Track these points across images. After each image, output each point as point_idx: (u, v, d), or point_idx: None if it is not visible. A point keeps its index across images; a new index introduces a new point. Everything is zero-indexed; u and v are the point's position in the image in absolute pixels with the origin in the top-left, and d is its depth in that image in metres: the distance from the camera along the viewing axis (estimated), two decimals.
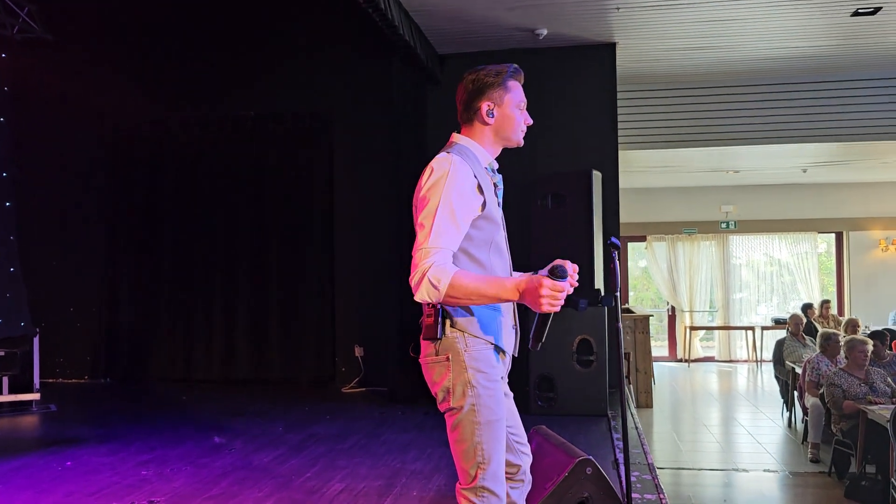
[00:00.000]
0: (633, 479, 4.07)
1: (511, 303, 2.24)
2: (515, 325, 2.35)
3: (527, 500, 2.96)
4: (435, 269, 2.00)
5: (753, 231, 13.91)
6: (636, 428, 5.53)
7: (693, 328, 13.86)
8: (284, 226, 7.86)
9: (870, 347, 6.37)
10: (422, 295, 2.01)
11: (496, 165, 2.34)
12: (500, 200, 2.33)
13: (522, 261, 6.78)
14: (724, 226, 13.80)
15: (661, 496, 3.76)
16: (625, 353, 7.58)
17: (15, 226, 6.62)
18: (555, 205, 5.98)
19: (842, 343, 7.02)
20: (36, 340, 6.58)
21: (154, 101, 7.85)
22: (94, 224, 8.08)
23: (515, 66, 2.33)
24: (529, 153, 5.96)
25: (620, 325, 3.45)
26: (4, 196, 6.60)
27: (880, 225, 13.34)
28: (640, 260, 15.53)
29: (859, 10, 6.31)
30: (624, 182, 12.54)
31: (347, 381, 7.36)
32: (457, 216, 2.10)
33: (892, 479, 5.13)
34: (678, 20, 6.53)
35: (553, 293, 1.94)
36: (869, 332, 7.74)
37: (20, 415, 6.19)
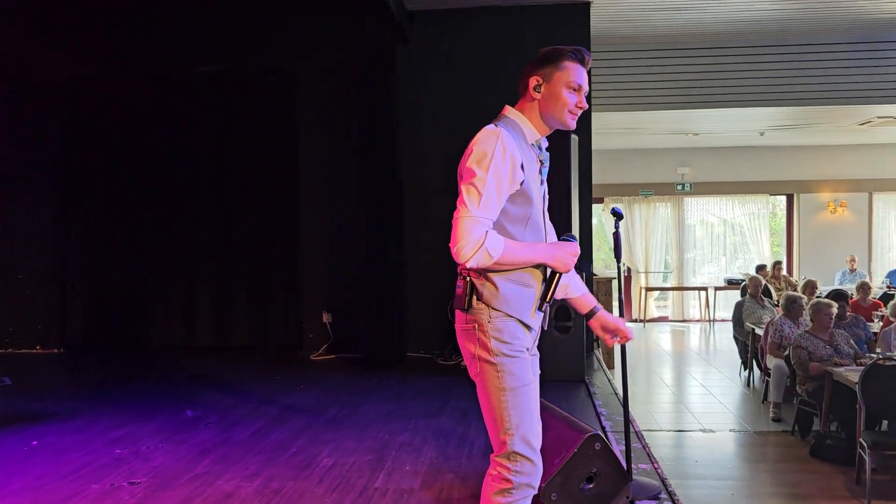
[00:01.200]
0: (623, 447, 4.07)
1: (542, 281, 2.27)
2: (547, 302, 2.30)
3: None
4: (491, 240, 2.10)
5: (708, 193, 14.12)
6: (615, 391, 5.55)
7: (648, 289, 14.09)
8: (247, 187, 7.59)
9: (834, 310, 6.52)
10: (474, 262, 2.10)
11: (545, 143, 2.33)
12: (545, 178, 2.32)
13: None
14: (679, 188, 13.97)
15: (655, 465, 3.77)
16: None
17: None
18: None
19: (805, 306, 7.18)
20: None
21: (113, 57, 7.40)
22: (45, 188, 7.63)
23: (583, 48, 2.32)
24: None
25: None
26: None
27: (829, 187, 13.69)
28: (594, 223, 15.63)
29: None
30: None
31: (315, 349, 7.20)
32: (501, 189, 2.14)
33: (860, 440, 5.28)
34: None
35: (574, 256, 2.24)
36: (829, 293, 7.93)
37: None
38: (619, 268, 3.63)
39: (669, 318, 14.37)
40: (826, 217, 13.77)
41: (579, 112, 2.28)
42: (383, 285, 6.77)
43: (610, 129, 11.13)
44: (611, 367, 9.75)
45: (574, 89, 2.24)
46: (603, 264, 15.79)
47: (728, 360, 10.18)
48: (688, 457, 6.30)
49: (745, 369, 9.15)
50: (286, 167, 7.45)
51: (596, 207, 14.66)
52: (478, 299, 2.18)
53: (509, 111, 2.31)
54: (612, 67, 8.51)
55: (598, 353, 7.94)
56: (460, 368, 6.39)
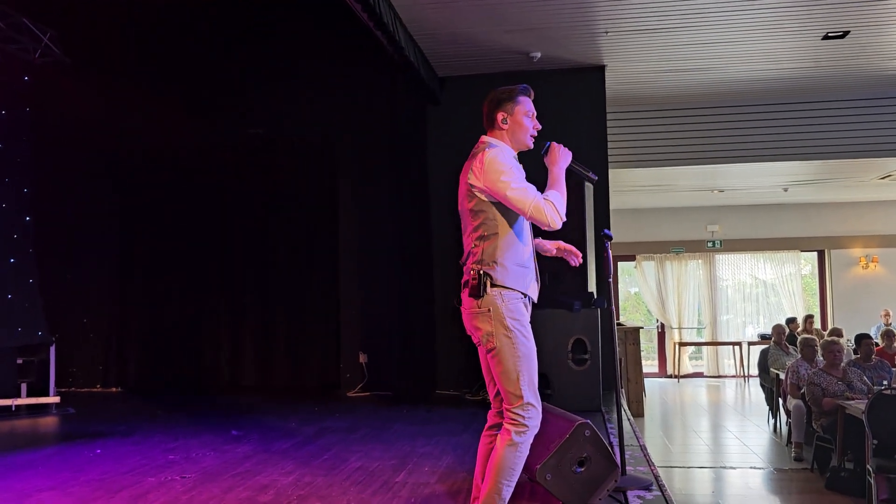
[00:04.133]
0: (626, 455, 4.41)
1: (534, 261, 2.95)
2: (537, 277, 2.96)
3: (534, 460, 3.33)
4: (554, 200, 2.82)
5: (738, 250, 14.38)
6: (628, 418, 5.87)
7: (682, 344, 14.24)
8: (291, 241, 8.25)
9: (842, 347, 6.77)
10: (554, 222, 2.78)
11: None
12: None
13: None
14: (710, 245, 14.26)
15: (653, 468, 4.10)
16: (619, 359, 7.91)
17: (32, 239, 6.95)
18: None
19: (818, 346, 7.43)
20: (52, 349, 6.87)
21: (165, 120, 8.23)
22: (107, 238, 8.42)
23: (527, 85, 3.04)
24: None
25: (614, 312, 3.82)
26: (24, 211, 6.95)
27: (860, 243, 13.84)
28: (632, 285, 15.93)
29: (829, 34, 6.81)
30: (615, 202, 13.00)
31: (352, 387, 7.67)
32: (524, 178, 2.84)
33: (868, 466, 5.48)
34: (663, 44, 7.01)
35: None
36: (854, 336, 8.14)
37: (41, 416, 6.46)
38: (609, 289, 3.98)
39: (704, 374, 14.44)
40: (858, 272, 13.87)
41: (536, 133, 2.99)
42: (415, 328, 7.32)
43: (637, 187, 11.62)
44: (640, 414, 9.98)
45: (530, 116, 2.94)
46: (642, 323, 16.05)
47: (759, 410, 10.29)
48: (703, 491, 6.51)
49: (772, 416, 9.28)
50: (326, 222, 8.11)
51: (628, 265, 15.11)
52: (491, 285, 2.76)
53: (490, 138, 2.96)
54: (631, 126, 9.05)
55: (625, 402, 8.18)
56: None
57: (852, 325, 12.66)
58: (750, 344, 13.77)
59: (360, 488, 3.80)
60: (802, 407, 7.23)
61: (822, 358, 7.06)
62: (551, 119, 7.58)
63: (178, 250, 8.37)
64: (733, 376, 14.14)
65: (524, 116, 2.92)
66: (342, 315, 7.93)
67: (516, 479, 2.75)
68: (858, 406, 5.91)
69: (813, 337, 7.90)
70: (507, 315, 2.74)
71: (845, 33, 6.78)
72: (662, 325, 14.56)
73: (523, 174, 2.83)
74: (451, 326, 7.56)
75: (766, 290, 14.79)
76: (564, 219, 2.85)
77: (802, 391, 7.04)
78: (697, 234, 14.22)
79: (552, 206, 2.78)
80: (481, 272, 2.77)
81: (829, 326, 13.61)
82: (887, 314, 12.88)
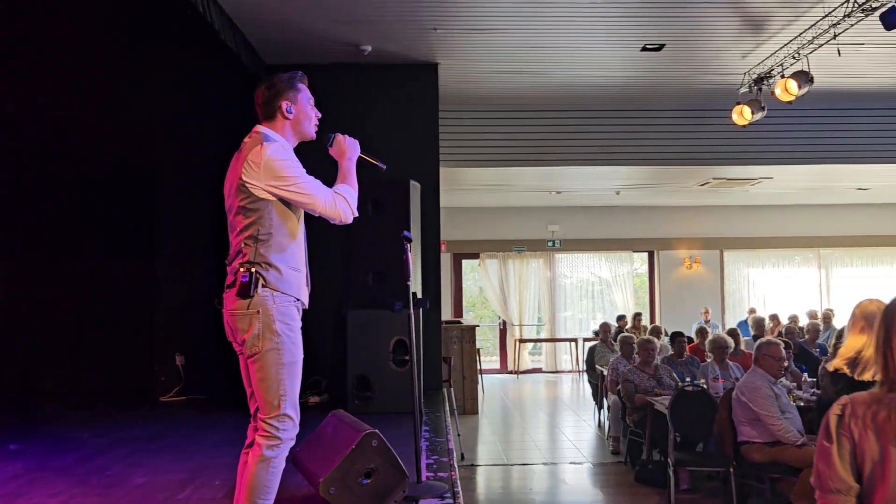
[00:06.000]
0: (431, 461, 4.35)
1: (306, 265, 2.79)
2: (308, 282, 2.80)
3: (317, 472, 3.16)
4: (345, 193, 2.75)
5: (577, 249, 14.94)
6: (445, 421, 5.83)
7: (522, 341, 14.61)
8: (102, 231, 7.62)
9: (656, 345, 7.10)
10: (346, 216, 2.73)
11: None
12: None
13: (343, 263, 6.92)
14: (550, 244, 14.72)
15: (453, 473, 4.05)
16: (445, 358, 7.93)
17: None
18: (375, 212, 6.24)
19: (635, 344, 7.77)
20: None
21: None
22: None
23: (301, 72, 2.85)
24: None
25: (412, 313, 3.72)
26: None
27: (685, 245, 14.77)
28: (476, 279, 16.18)
29: (647, 46, 7.11)
30: (458, 201, 13.19)
31: (167, 391, 7.19)
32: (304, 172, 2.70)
33: (669, 459, 5.75)
34: (494, 45, 7.05)
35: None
36: (670, 334, 8.58)
37: None
38: (408, 290, 3.87)
39: (543, 370, 14.91)
40: (683, 272, 14.80)
41: (317, 124, 2.83)
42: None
43: (479, 186, 11.75)
44: (474, 412, 10.09)
45: (311, 104, 2.79)
46: (490, 321, 16.35)
47: (589, 405, 10.69)
48: (524, 487, 6.62)
49: (598, 410, 9.66)
50: (143, 214, 7.55)
51: (472, 262, 15.32)
52: (263, 285, 2.57)
53: (266, 130, 2.74)
54: (468, 125, 9.10)
55: (451, 392, 8.16)
56: (307, 406, 6.55)
57: (677, 323, 13.45)
58: (585, 340, 14.33)
59: None
60: (619, 402, 7.53)
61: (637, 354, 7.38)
62: (383, 115, 7.55)
63: None
64: (570, 372, 14.68)
65: (307, 104, 2.79)
66: (157, 313, 7.41)
67: (273, 497, 2.58)
68: (664, 402, 6.20)
69: (631, 335, 8.26)
70: (276, 318, 2.58)
71: (661, 46, 7.10)
72: (505, 323, 14.88)
73: (303, 168, 2.69)
74: None
75: (603, 289, 15.47)
76: (356, 213, 2.73)
77: (619, 387, 7.33)
78: (538, 233, 14.63)
79: (344, 200, 2.69)
80: (253, 271, 2.58)
81: (657, 323, 14.47)
82: (707, 312, 13.84)
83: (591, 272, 15.41)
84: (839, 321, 10.68)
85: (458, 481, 3.86)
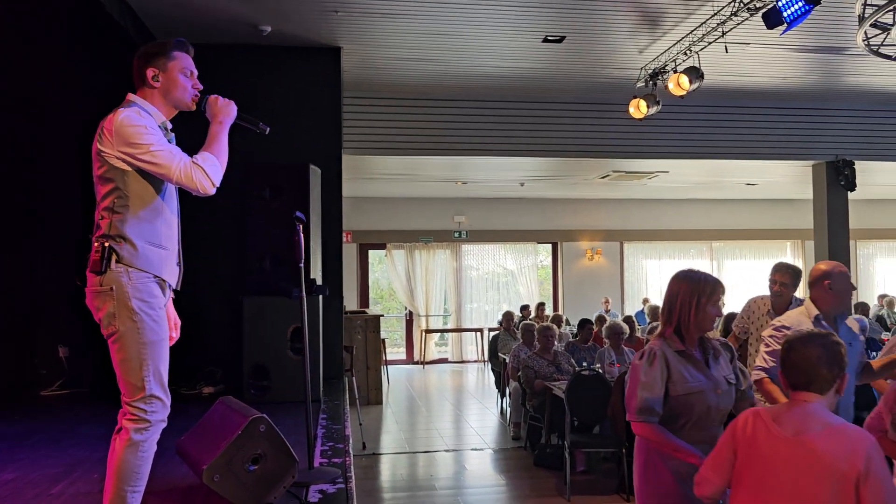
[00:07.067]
0: (326, 447, 4.27)
1: (177, 243, 2.68)
2: (180, 262, 2.68)
3: (201, 459, 3.03)
4: (204, 161, 2.54)
5: (483, 240, 15.08)
6: (344, 408, 5.75)
7: (428, 331, 14.64)
8: None
9: (555, 332, 7.24)
10: (216, 181, 2.56)
11: (170, 126, 2.70)
12: None
13: (239, 249, 6.72)
14: (457, 235, 14.80)
15: (347, 459, 3.99)
16: (347, 347, 7.83)
17: None
18: (273, 196, 6.08)
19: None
20: None
21: None
22: None
23: (183, 39, 2.70)
24: (247, 147, 5.97)
25: (303, 296, 3.63)
26: None
27: (587, 237, 15.16)
28: (384, 272, 16.10)
29: (548, 38, 7.21)
30: (364, 191, 13.07)
31: (49, 385, 6.77)
32: (166, 143, 2.55)
33: (565, 442, 5.87)
34: (396, 30, 6.97)
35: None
36: (579, 321, 8.77)
37: None
38: (300, 273, 3.76)
39: (449, 360, 14.99)
40: (585, 264, 15.19)
41: (197, 94, 2.65)
42: None
43: (385, 175, 11.67)
44: (378, 402, 10.03)
45: (187, 74, 2.63)
46: (398, 311, 16.28)
47: (493, 393, 10.82)
48: (426, 474, 6.62)
49: (501, 398, 9.78)
50: (25, 191, 7.05)
51: (379, 253, 15.23)
52: (117, 261, 2.46)
53: (135, 98, 2.62)
54: (372, 112, 8.98)
55: (354, 381, 8.06)
56: (202, 397, 6.32)
57: (580, 312, 13.78)
58: (490, 330, 14.48)
59: None
60: (519, 388, 7.64)
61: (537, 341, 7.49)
62: (284, 99, 7.35)
63: None
64: (475, 361, 14.82)
65: (180, 73, 2.64)
66: (38, 300, 6.96)
67: (144, 484, 2.45)
68: (562, 387, 6.33)
69: (532, 323, 8.39)
70: (132, 295, 2.46)
71: (562, 38, 7.21)
72: (411, 314, 14.86)
73: (163, 137, 2.55)
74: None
75: (509, 280, 15.67)
76: (218, 184, 2.56)
77: (520, 373, 7.43)
78: (445, 224, 14.68)
79: (201, 171, 2.50)
80: (106, 245, 2.47)
81: (561, 313, 14.79)
82: (607, 301, 14.26)
83: (498, 264, 15.60)
84: (728, 309, 11.17)
85: (352, 467, 3.80)
